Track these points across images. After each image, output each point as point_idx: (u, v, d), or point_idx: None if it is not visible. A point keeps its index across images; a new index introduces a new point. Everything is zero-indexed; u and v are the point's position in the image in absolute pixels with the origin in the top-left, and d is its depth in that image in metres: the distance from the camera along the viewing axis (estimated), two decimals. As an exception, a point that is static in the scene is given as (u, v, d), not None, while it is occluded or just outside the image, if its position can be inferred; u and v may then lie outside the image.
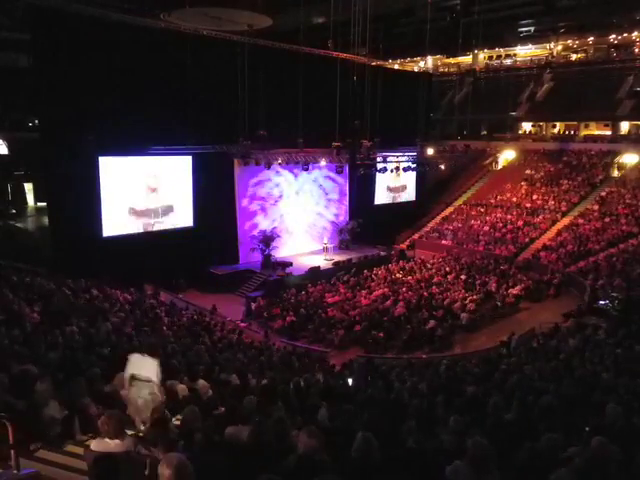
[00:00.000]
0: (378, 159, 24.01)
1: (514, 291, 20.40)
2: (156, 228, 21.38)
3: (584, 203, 28.62)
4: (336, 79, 19.18)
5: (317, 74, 22.65)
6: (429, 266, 24.31)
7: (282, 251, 24.18)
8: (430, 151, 26.21)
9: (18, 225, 26.26)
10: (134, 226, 20.70)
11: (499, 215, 29.95)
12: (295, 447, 3.47)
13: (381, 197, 31.50)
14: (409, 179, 32.51)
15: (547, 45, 39.32)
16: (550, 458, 3.52)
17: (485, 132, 38.03)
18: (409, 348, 16.00)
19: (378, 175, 26.58)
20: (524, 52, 41.03)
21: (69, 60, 17.37)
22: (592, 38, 37.13)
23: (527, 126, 38.77)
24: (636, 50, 35.20)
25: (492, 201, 31.62)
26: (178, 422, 4.88)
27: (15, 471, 3.99)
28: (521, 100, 37.71)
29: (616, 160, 30.39)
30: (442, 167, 26.42)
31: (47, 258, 19.05)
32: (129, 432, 4.64)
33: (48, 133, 18.33)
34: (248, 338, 15.61)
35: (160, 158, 20.96)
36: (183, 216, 22.20)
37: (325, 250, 25.71)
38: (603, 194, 28.49)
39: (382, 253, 26.88)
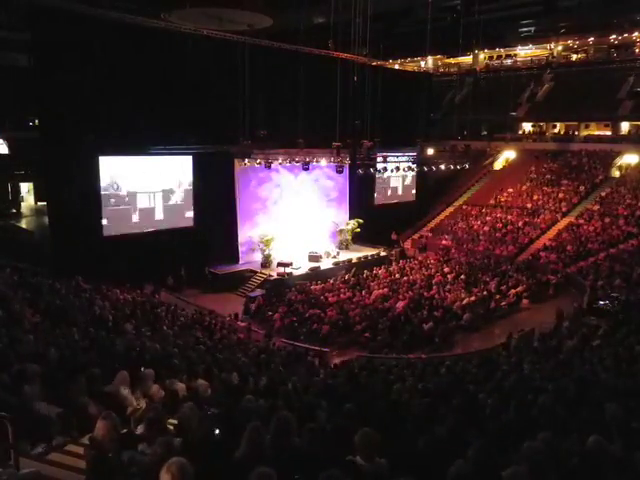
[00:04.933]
0: (378, 159, 24.02)
1: (514, 291, 20.43)
2: (156, 228, 21.38)
3: (584, 203, 28.62)
4: (336, 79, 19.19)
5: (317, 74, 22.67)
6: (430, 266, 24.32)
7: (282, 251, 24.16)
8: (430, 151, 26.22)
9: (18, 224, 26.29)
10: (134, 226, 20.70)
11: (499, 215, 29.96)
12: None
13: (381, 197, 31.50)
14: (409, 179, 32.52)
15: (547, 45, 39.29)
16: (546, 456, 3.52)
17: (485, 132, 37.99)
18: (409, 348, 15.99)
19: (378, 175, 26.58)
20: (524, 52, 41.00)
21: (69, 60, 17.38)
22: (592, 38, 37.11)
23: (527, 126, 38.76)
24: (636, 50, 35.16)
25: (492, 201, 31.64)
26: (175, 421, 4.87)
27: (15, 471, 3.99)
28: (521, 100, 37.70)
29: (616, 160, 30.40)
30: (442, 167, 26.40)
31: (47, 258, 19.08)
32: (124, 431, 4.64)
33: (48, 133, 18.34)
34: (248, 337, 15.63)
35: (160, 158, 20.96)
36: (183, 216, 22.20)
37: (325, 250, 25.67)
38: (603, 194, 28.50)
39: (382, 253, 26.89)
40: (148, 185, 20.93)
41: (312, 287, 21.13)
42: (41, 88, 18.12)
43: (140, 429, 4.88)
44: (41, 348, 7.08)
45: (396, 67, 34.26)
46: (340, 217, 28.35)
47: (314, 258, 24.55)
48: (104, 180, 19.48)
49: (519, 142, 35.34)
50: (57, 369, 6.12)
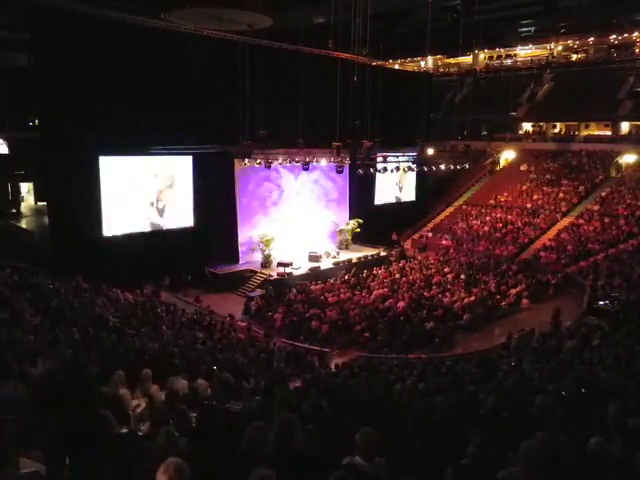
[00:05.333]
0: (378, 159, 24.01)
1: (514, 290, 20.43)
2: (156, 228, 21.38)
3: (584, 203, 28.62)
4: (336, 79, 19.21)
5: (317, 74, 22.69)
6: (430, 266, 24.32)
7: (282, 251, 24.16)
8: (430, 151, 26.22)
9: (18, 224, 26.29)
10: (134, 226, 20.68)
11: (499, 215, 29.96)
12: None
13: (381, 197, 31.50)
14: (409, 179, 32.52)
15: (547, 45, 39.29)
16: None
17: (485, 132, 37.99)
18: (409, 348, 16.00)
19: (378, 175, 26.58)
20: (524, 52, 40.99)
21: (69, 60, 17.38)
22: (592, 38, 37.11)
23: (527, 126, 38.76)
24: (636, 50, 35.16)
25: (492, 201, 31.64)
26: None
27: (15, 471, 3.99)
28: (521, 100, 37.69)
29: (616, 160, 30.40)
30: (442, 167, 26.40)
31: (47, 258, 19.07)
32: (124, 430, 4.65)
33: (48, 133, 18.34)
34: (247, 338, 15.63)
35: (160, 158, 20.96)
36: (183, 216, 22.20)
37: (325, 250, 25.68)
38: (603, 194, 28.50)
39: (382, 253, 26.89)
40: (148, 185, 20.92)
41: (312, 287, 21.13)
42: (41, 88, 18.11)
43: (144, 429, 4.89)
44: (41, 348, 7.08)
45: (396, 67, 34.24)
46: (340, 217, 28.35)
47: (314, 258, 24.54)
48: (104, 180, 19.44)
49: (519, 142, 35.34)
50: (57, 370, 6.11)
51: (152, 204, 21.23)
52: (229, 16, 23.30)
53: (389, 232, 29.05)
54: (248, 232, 24.21)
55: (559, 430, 4.13)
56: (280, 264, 23.00)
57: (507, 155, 34.96)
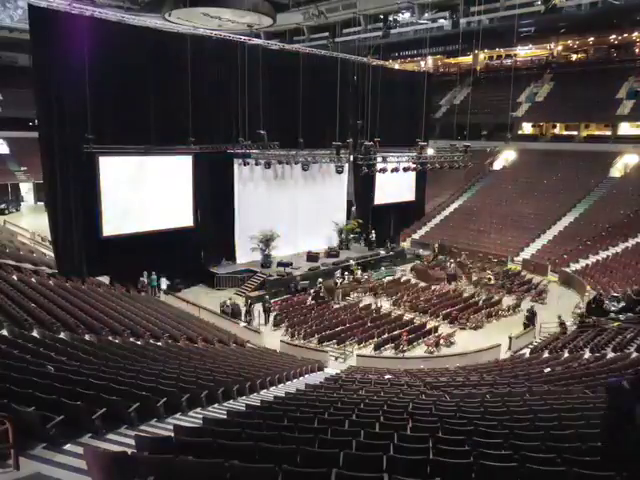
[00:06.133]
0: (378, 159, 23.98)
1: (515, 291, 20.45)
2: (156, 228, 21.31)
3: (584, 204, 28.63)
4: (336, 79, 19.21)
5: (317, 74, 22.69)
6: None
7: (282, 251, 24.15)
8: (430, 151, 26.10)
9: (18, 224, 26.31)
10: (133, 226, 20.63)
11: (499, 216, 29.94)
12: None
13: (381, 197, 31.45)
14: (409, 179, 32.45)
15: (547, 45, 39.27)
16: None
17: (485, 132, 37.96)
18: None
19: (378, 175, 26.56)
20: (524, 52, 40.96)
21: (69, 59, 17.36)
22: (592, 38, 37.06)
23: (527, 126, 38.73)
24: (636, 50, 35.15)
25: (492, 201, 31.62)
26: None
27: (15, 471, 4.00)
28: (521, 100, 37.68)
29: (616, 161, 30.38)
30: (442, 167, 26.34)
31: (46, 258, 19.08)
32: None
33: (48, 133, 18.30)
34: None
35: (160, 158, 20.92)
36: (183, 216, 22.16)
37: (325, 250, 25.70)
38: (603, 194, 28.50)
39: (382, 253, 26.89)
40: (148, 185, 20.88)
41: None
42: (41, 88, 18.08)
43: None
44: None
45: (396, 67, 34.23)
46: (340, 217, 28.35)
47: (313, 257, 24.56)
48: (104, 180, 19.42)
49: (519, 142, 35.31)
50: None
51: (151, 204, 21.16)
52: (229, 16, 23.35)
53: (389, 232, 29.08)
54: (248, 232, 24.18)
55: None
56: (280, 264, 22.99)
57: (507, 155, 34.92)
